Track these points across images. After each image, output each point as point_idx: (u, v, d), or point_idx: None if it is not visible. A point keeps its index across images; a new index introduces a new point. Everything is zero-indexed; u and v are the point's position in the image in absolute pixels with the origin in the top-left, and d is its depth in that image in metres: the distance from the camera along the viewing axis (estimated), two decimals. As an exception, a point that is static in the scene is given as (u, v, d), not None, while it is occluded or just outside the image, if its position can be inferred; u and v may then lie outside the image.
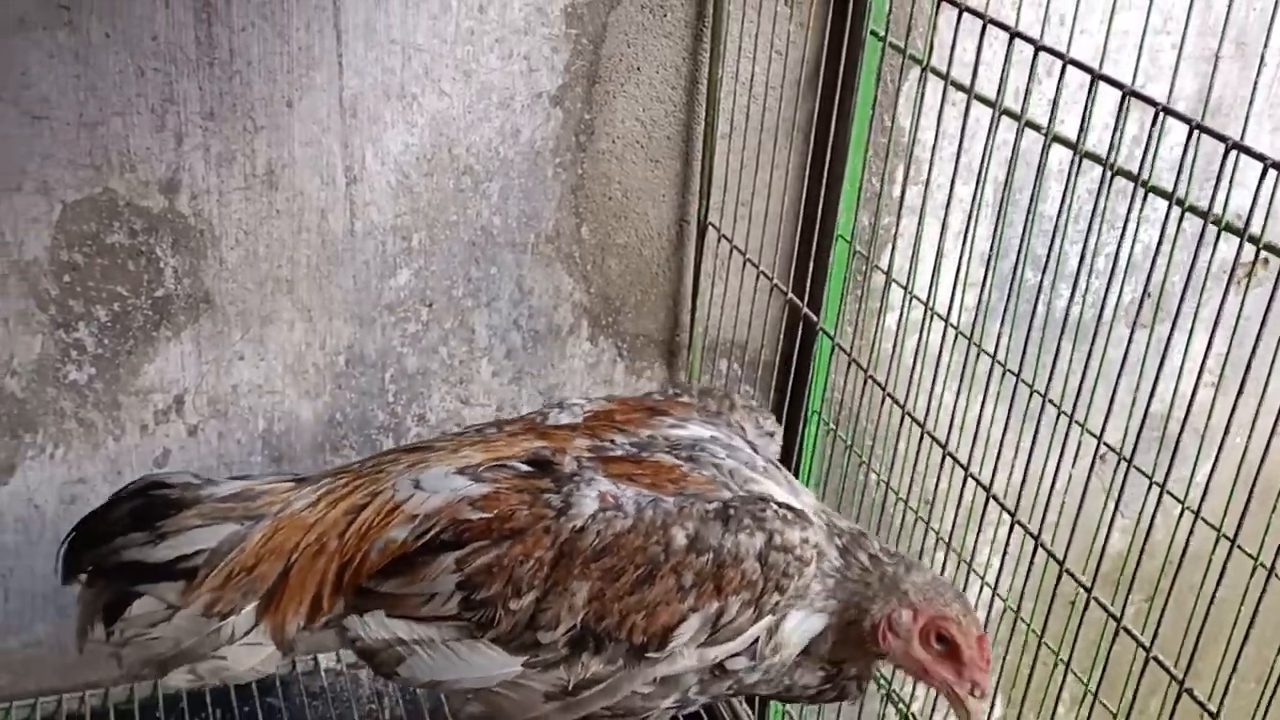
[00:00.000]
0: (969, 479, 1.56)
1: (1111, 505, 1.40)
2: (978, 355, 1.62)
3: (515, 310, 2.02)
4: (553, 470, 1.32)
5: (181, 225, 1.78)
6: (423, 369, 2.00)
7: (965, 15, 1.55)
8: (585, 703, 1.30)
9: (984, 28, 1.41)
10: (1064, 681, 1.57)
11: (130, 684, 2.04)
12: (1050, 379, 1.51)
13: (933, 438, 1.61)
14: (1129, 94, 1.19)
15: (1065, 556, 1.38)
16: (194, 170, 1.75)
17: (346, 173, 1.82)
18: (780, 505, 1.32)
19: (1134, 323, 1.77)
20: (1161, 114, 1.15)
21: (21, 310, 1.75)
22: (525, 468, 1.33)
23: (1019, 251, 1.60)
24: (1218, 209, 1.22)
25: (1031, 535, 1.42)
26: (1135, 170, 1.29)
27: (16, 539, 1.90)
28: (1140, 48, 1.54)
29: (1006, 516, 1.57)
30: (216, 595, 1.28)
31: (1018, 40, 1.38)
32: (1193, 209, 1.28)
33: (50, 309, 1.77)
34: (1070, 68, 1.31)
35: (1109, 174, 1.32)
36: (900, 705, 1.91)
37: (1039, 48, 1.31)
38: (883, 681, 1.93)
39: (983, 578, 1.75)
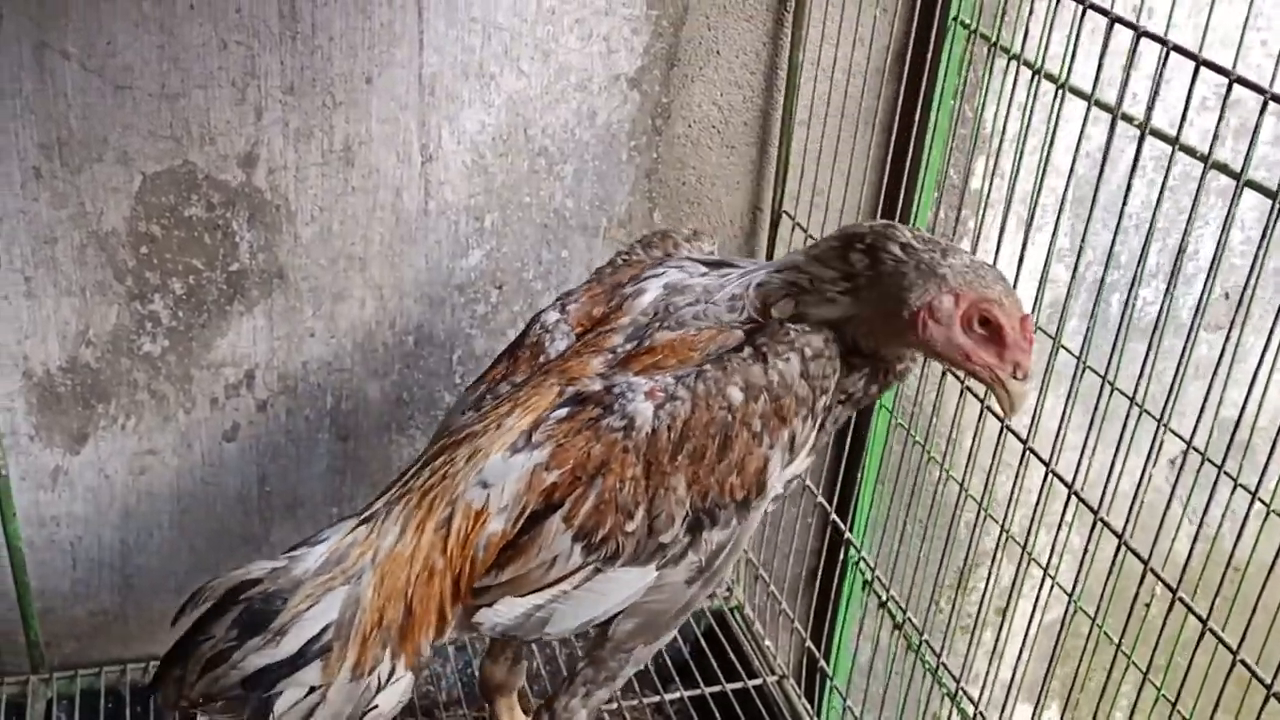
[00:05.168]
0: (1048, 476, 1.52)
1: (1191, 508, 1.37)
2: (1055, 351, 1.59)
3: (585, 295, 2.01)
4: (590, 397, 1.32)
5: (258, 200, 1.78)
6: (490, 351, 1.99)
7: (1059, 4, 1.53)
8: (720, 569, 1.38)
9: (1081, 13, 1.38)
10: (1125, 688, 1.54)
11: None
12: (1136, 383, 1.47)
13: (1012, 431, 1.58)
14: (1235, 81, 1.16)
15: (1150, 556, 1.35)
16: (272, 145, 1.75)
17: (422, 151, 1.82)
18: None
19: (1202, 324, 1.72)
20: (1269, 100, 1.12)
21: (99, 281, 1.76)
22: (565, 411, 1.32)
23: (1107, 250, 1.56)
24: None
25: (1115, 534, 1.39)
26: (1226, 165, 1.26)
27: (86, 508, 1.91)
28: (1239, 44, 1.50)
29: (1078, 522, 1.54)
30: (359, 656, 1.25)
31: (1115, 30, 1.35)
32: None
33: (127, 280, 1.78)
34: (1166, 57, 1.28)
35: (1206, 167, 1.29)
36: (961, 707, 1.88)
37: (1140, 33, 1.28)
38: (946, 681, 1.90)
39: (1054, 578, 1.72)
